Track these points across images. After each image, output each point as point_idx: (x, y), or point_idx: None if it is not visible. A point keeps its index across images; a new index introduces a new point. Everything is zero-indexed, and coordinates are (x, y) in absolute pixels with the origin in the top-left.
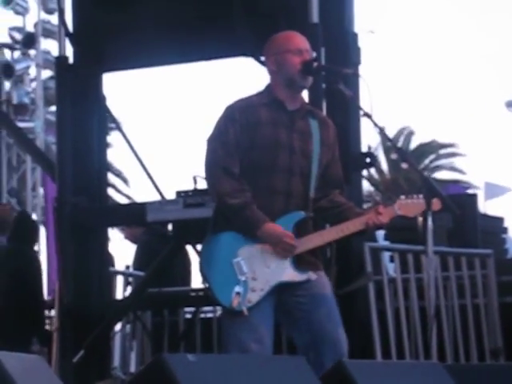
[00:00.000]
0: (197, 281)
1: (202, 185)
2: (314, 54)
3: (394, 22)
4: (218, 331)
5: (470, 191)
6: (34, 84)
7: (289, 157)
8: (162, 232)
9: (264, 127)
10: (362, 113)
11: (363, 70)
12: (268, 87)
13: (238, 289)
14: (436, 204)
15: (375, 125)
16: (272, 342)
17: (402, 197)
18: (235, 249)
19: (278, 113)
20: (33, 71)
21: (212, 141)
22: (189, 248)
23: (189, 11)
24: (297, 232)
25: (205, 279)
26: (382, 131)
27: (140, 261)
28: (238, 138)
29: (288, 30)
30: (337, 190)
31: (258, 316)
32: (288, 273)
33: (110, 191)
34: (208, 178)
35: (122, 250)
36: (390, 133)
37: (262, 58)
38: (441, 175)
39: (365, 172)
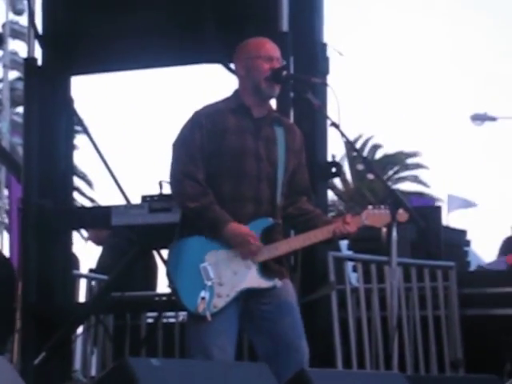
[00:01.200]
0: (162, 286)
1: (168, 190)
2: (284, 63)
3: (362, 33)
4: (180, 336)
5: (434, 203)
6: (0, 85)
7: (255, 163)
8: (129, 235)
9: (230, 134)
10: (329, 122)
11: (331, 79)
12: (236, 92)
13: (203, 294)
14: (402, 216)
15: (342, 135)
16: (234, 349)
17: (370, 207)
18: (202, 254)
19: (245, 120)
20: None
21: (177, 146)
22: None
23: (159, 17)
24: (265, 239)
25: (171, 283)
26: (348, 141)
27: (106, 263)
28: (203, 143)
29: (259, 37)
30: (304, 197)
31: (222, 322)
32: (254, 279)
33: (75, 194)
34: (172, 182)
35: (85, 252)
36: (357, 143)
37: (232, 65)
38: (404, 186)
39: (329, 181)
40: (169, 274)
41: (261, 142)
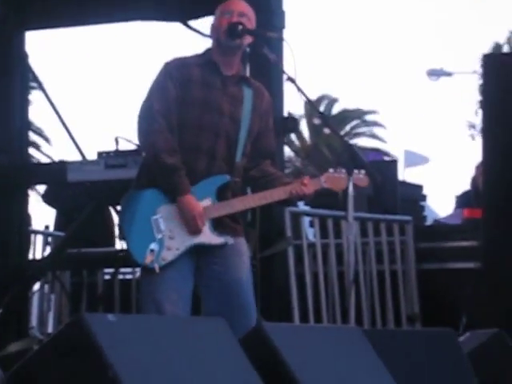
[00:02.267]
0: (119, 242)
1: (124, 146)
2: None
3: None
4: (137, 293)
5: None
6: None
7: (217, 118)
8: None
9: (195, 86)
10: (285, 77)
11: (287, 34)
12: (207, 50)
13: (152, 246)
14: (362, 180)
15: (298, 89)
16: (188, 304)
17: (331, 170)
18: (155, 206)
19: (212, 75)
20: None
21: (151, 95)
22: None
23: None
24: (220, 195)
25: (122, 234)
26: (304, 96)
27: (62, 222)
28: (177, 93)
29: None
30: (268, 160)
31: (174, 277)
32: (206, 235)
33: (31, 150)
34: (144, 130)
35: (40, 209)
36: (312, 99)
37: (191, 23)
38: (361, 142)
39: (286, 137)
40: (120, 225)
41: (226, 98)
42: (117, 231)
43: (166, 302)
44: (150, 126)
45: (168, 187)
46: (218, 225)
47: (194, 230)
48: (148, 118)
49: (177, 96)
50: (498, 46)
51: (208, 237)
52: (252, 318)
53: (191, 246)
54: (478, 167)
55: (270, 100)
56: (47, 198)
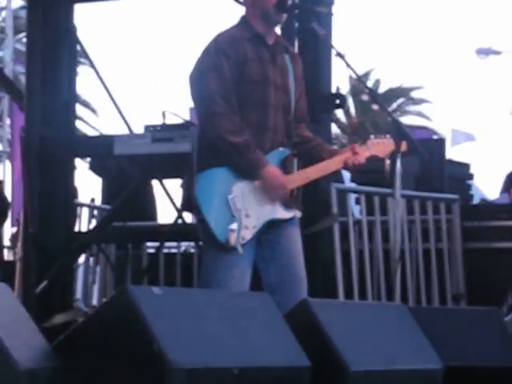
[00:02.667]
0: (162, 216)
1: (171, 120)
2: None
3: None
4: (182, 267)
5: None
6: (3, 13)
7: (274, 93)
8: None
9: (252, 63)
10: (334, 53)
11: (337, 9)
12: (244, 20)
13: (233, 226)
14: (404, 145)
15: (347, 65)
16: (250, 279)
17: (372, 136)
18: (228, 185)
19: (261, 48)
20: (3, 0)
21: (206, 76)
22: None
23: None
24: (282, 169)
25: (200, 214)
26: (354, 72)
27: (108, 194)
28: (232, 72)
29: None
30: (303, 123)
31: (241, 254)
32: (278, 210)
33: (79, 123)
34: (206, 114)
35: (86, 182)
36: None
37: None
38: (408, 120)
39: (333, 114)
40: (198, 206)
41: (277, 70)
42: (159, 206)
43: (233, 280)
44: (211, 109)
45: (245, 165)
46: (285, 199)
47: (280, 197)
48: (208, 100)
49: (232, 75)
50: None
51: (280, 212)
52: (306, 289)
53: (265, 223)
54: None
55: (300, 61)
56: (93, 166)
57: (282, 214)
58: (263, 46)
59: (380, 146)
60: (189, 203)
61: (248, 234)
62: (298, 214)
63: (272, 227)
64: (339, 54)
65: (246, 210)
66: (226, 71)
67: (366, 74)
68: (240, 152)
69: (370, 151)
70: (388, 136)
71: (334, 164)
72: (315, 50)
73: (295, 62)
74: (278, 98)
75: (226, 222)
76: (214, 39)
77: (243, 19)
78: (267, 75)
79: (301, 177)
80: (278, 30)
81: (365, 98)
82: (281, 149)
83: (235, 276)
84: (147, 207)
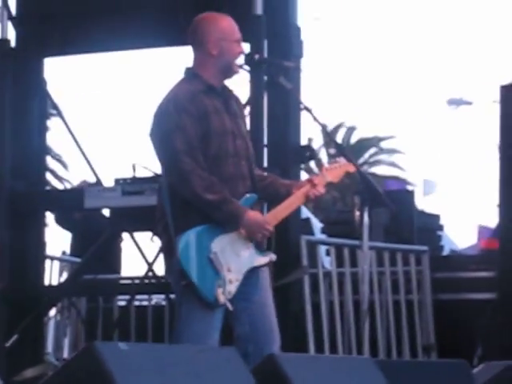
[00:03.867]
0: (129, 269)
1: (141, 173)
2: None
3: (336, 13)
4: (153, 319)
5: (408, 187)
6: None
7: (233, 141)
8: (101, 218)
9: (212, 116)
10: (302, 106)
11: (305, 63)
12: (193, 73)
13: (219, 282)
14: (352, 166)
15: (315, 119)
16: (219, 334)
17: (326, 164)
18: (208, 243)
19: (216, 99)
20: None
21: (170, 134)
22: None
23: None
24: None
25: (186, 278)
26: (321, 126)
27: (78, 246)
28: (195, 129)
29: (223, 14)
30: (253, 162)
31: (216, 309)
32: (255, 257)
33: (49, 176)
34: (174, 173)
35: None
36: (330, 127)
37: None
38: (380, 170)
39: (304, 165)
40: (182, 270)
41: (232, 118)
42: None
43: (206, 335)
44: (180, 170)
45: (226, 218)
46: (258, 245)
47: (267, 235)
48: (175, 161)
49: (196, 131)
50: None
51: (257, 259)
52: (277, 344)
53: (246, 272)
54: None
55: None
56: (59, 219)
57: (260, 260)
58: (216, 96)
59: (333, 170)
60: (169, 249)
61: (233, 288)
62: (273, 257)
63: (247, 276)
64: (306, 108)
65: (227, 265)
66: (189, 129)
67: (338, 127)
68: (218, 207)
69: (326, 178)
70: (340, 159)
71: (297, 200)
72: (284, 104)
73: (238, 104)
74: (237, 146)
75: (211, 280)
76: (171, 97)
77: (191, 71)
78: (225, 126)
79: (271, 218)
80: (246, 83)
81: (332, 151)
82: (248, 195)
83: (208, 332)
84: (118, 260)
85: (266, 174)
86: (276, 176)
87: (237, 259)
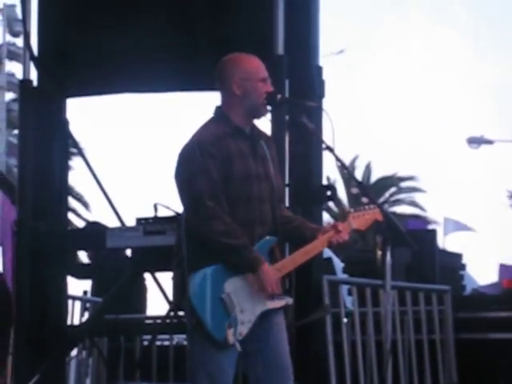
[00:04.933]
0: (154, 308)
1: (162, 212)
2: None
3: (358, 54)
4: (175, 359)
5: (429, 227)
6: None
7: (258, 185)
8: (123, 258)
9: (234, 160)
10: (324, 146)
11: (326, 102)
12: (221, 113)
13: (229, 323)
14: (379, 214)
15: (337, 159)
16: (234, 371)
17: (352, 210)
18: (221, 283)
19: (242, 142)
20: None
21: (195, 176)
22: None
23: (156, 40)
24: (271, 257)
25: (196, 316)
26: (343, 165)
27: (99, 285)
28: (219, 172)
29: (249, 55)
30: (283, 204)
31: (228, 348)
32: (270, 300)
33: (71, 215)
34: (197, 215)
35: None
36: (353, 164)
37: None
38: (401, 209)
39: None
40: (192, 308)
41: (259, 161)
42: (150, 298)
43: (220, 373)
44: (203, 213)
45: (241, 265)
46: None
47: (271, 296)
48: (199, 204)
49: (219, 175)
50: None
51: (272, 302)
52: (291, 379)
53: (260, 315)
54: None
55: (274, 142)
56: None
57: (275, 303)
58: (243, 139)
59: (360, 218)
60: (181, 302)
61: (244, 330)
62: (289, 301)
63: (261, 318)
64: (329, 148)
65: (240, 306)
66: (213, 172)
67: (354, 160)
68: (237, 253)
69: (352, 226)
70: (366, 206)
71: (319, 245)
72: (306, 143)
73: (271, 146)
74: (262, 189)
75: (221, 320)
76: (196, 139)
77: (220, 111)
78: (249, 169)
79: (289, 262)
80: (267, 122)
81: (354, 191)
82: (267, 237)
83: (222, 369)
84: (139, 299)
85: (293, 216)
86: (303, 219)
87: (250, 301)
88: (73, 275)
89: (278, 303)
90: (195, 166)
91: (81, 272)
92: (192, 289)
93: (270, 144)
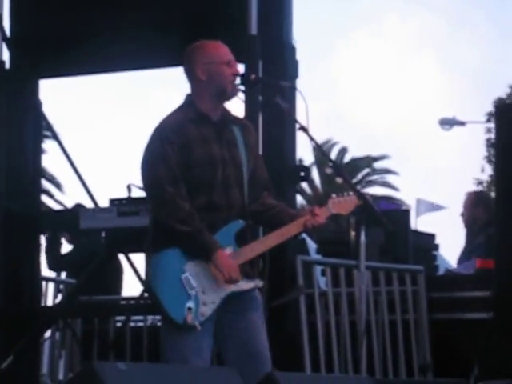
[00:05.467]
0: (128, 289)
1: (136, 193)
2: (241, 65)
3: (329, 34)
4: (149, 340)
5: (403, 207)
6: None
7: (223, 171)
8: (97, 237)
9: (195, 145)
10: (298, 126)
11: (300, 82)
12: (189, 99)
13: (189, 304)
14: (358, 200)
15: (311, 139)
16: (210, 355)
17: (334, 195)
18: (181, 265)
19: (205, 127)
20: None
21: (153, 164)
22: (121, 256)
23: (127, 20)
24: (238, 241)
25: (154, 297)
26: (317, 145)
27: (73, 262)
28: (177, 158)
29: (212, 40)
30: (265, 191)
31: (199, 331)
32: (238, 283)
33: (44, 197)
34: (156, 204)
35: None
36: (324, 147)
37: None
38: (373, 190)
39: (298, 185)
40: (151, 288)
41: (224, 147)
42: (124, 279)
43: (192, 355)
44: (160, 198)
45: (196, 251)
46: (243, 270)
47: (232, 281)
48: (157, 188)
49: (178, 161)
50: (500, 101)
51: (239, 283)
52: (268, 365)
53: (226, 296)
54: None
55: (254, 130)
56: (51, 265)
57: (242, 285)
58: (207, 125)
59: (342, 204)
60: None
61: (207, 310)
62: (258, 283)
63: (231, 301)
64: (302, 128)
65: (201, 287)
66: (171, 159)
67: (332, 145)
68: (190, 239)
69: (330, 211)
70: (351, 193)
71: (294, 228)
72: (280, 124)
73: (247, 132)
74: (227, 174)
75: (181, 302)
76: (158, 126)
77: (188, 99)
78: (212, 155)
79: (259, 245)
80: (240, 103)
81: (328, 171)
82: (234, 221)
83: (194, 351)
84: (114, 281)
85: (275, 203)
86: (285, 206)
87: (213, 282)
88: (50, 268)
89: (245, 285)
90: (155, 153)
91: (57, 264)
92: (152, 270)
93: (247, 130)
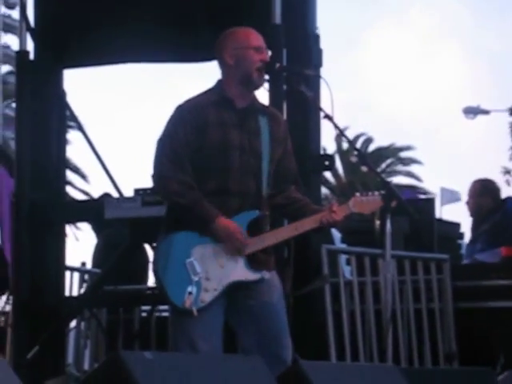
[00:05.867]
0: (153, 279)
1: None
2: (270, 53)
3: (355, 23)
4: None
5: (428, 196)
6: None
7: (239, 157)
8: (122, 228)
9: (212, 128)
10: (322, 115)
11: (324, 72)
12: (219, 83)
13: (190, 289)
14: (394, 202)
15: (335, 127)
16: (220, 339)
17: (357, 194)
18: (188, 249)
19: (227, 112)
20: None
21: (161, 142)
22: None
23: (154, 11)
24: (252, 231)
25: (158, 279)
26: (341, 133)
27: (100, 254)
28: (188, 139)
29: (244, 27)
30: (292, 185)
31: (207, 315)
32: (241, 272)
33: (68, 188)
34: (156, 179)
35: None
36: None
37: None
38: (397, 180)
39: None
40: (155, 271)
41: (245, 134)
42: (152, 269)
43: (200, 340)
44: (160, 173)
45: (196, 222)
46: (252, 260)
47: (239, 247)
48: (159, 164)
49: (187, 141)
50: None
51: (244, 274)
52: (288, 352)
53: (229, 285)
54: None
55: (285, 124)
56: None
57: (247, 275)
58: (230, 110)
59: (365, 203)
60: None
61: (208, 297)
62: (266, 275)
63: (242, 290)
64: (327, 116)
65: (206, 273)
66: (180, 137)
67: (357, 135)
68: (188, 211)
69: (350, 209)
70: (376, 193)
71: (309, 223)
72: (304, 112)
73: (275, 124)
74: (245, 163)
75: (182, 286)
76: (178, 105)
77: (218, 82)
78: (229, 140)
79: (271, 236)
80: (265, 92)
81: (353, 159)
82: (249, 211)
83: (203, 337)
84: (138, 270)
85: (300, 197)
86: (309, 201)
87: (218, 269)
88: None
89: (250, 275)
90: (166, 132)
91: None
92: (156, 253)
93: (277, 121)
